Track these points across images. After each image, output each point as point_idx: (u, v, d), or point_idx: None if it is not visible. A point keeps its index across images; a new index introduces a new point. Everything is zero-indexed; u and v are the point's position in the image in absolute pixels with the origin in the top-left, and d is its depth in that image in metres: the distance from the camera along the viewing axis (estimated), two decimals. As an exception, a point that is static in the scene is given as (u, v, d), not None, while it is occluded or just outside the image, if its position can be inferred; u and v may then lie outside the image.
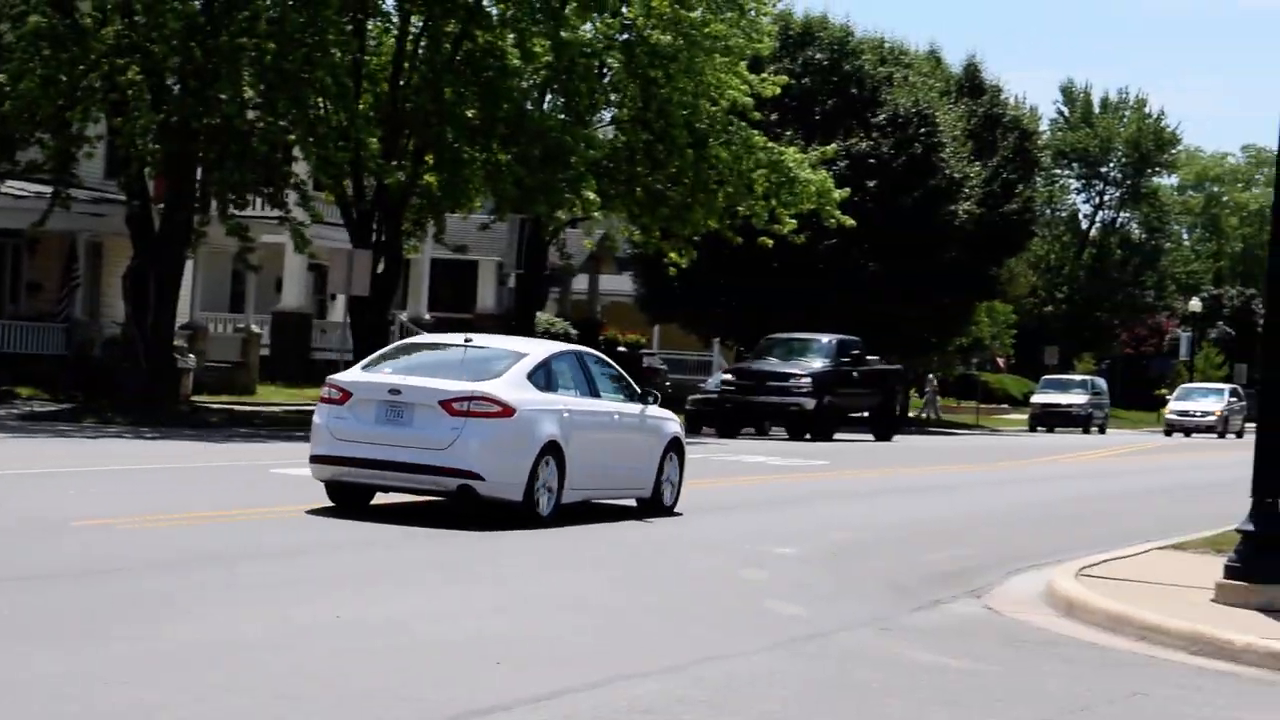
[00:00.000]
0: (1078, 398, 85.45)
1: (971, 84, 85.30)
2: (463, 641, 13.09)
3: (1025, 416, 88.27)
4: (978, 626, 15.80)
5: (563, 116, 48.36)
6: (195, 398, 46.57)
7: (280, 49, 41.42)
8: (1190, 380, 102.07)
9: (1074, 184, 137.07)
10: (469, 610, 14.65)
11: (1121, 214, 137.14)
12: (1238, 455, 45.78)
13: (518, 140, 45.63)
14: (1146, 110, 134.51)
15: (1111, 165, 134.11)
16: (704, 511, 24.88)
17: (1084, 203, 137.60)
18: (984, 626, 15.84)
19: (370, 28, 48.35)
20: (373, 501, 22.28)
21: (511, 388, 21.46)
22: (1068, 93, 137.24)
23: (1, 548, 16.73)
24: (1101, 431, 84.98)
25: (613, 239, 67.04)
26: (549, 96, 50.77)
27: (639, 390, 25.14)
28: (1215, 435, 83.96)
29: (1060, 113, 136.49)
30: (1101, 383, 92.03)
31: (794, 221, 52.85)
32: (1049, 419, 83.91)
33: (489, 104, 45.21)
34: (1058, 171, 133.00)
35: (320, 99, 43.50)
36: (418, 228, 52.74)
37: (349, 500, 21.97)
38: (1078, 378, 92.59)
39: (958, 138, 75.15)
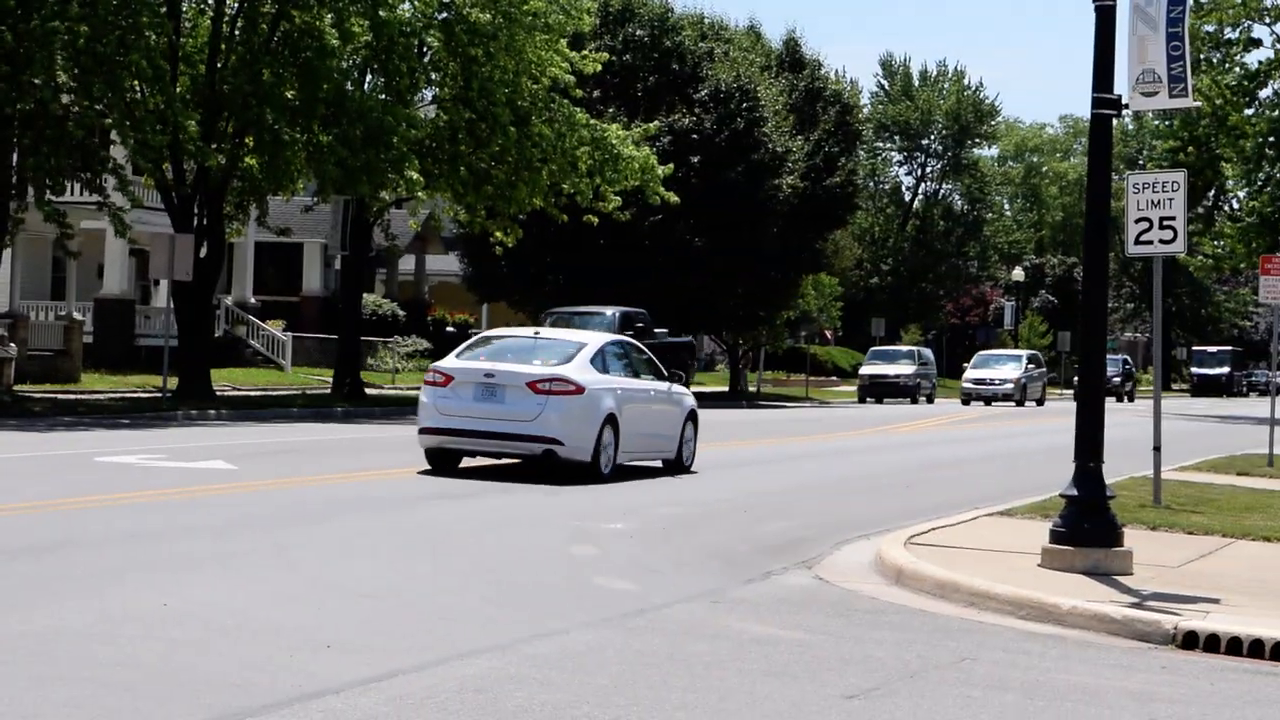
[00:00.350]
0: (905, 368, 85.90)
1: (792, 59, 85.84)
2: (291, 626, 12.99)
3: (854, 388, 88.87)
4: (808, 597, 15.88)
5: (384, 96, 48.09)
6: (17, 387, 45.82)
7: (94, 32, 40.84)
8: (1016, 349, 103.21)
9: (896, 156, 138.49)
10: (293, 595, 14.52)
11: (944, 185, 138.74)
12: (1058, 423, 46.49)
13: (339, 121, 45.32)
14: (965, 82, 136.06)
15: (932, 137, 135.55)
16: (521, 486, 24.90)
17: (906, 175, 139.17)
18: (814, 597, 15.92)
19: (185, 9, 47.82)
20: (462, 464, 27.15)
21: (580, 370, 26.65)
22: (887, 66, 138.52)
23: None
24: (929, 401, 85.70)
25: (438, 219, 66.88)
26: (369, 76, 50.47)
27: (665, 371, 30.68)
28: (1013, 403, 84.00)
29: (881, 86, 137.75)
30: (928, 353, 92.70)
31: (618, 199, 53.02)
32: (877, 390, 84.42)
33: (308, 85, 44.89)
34: (880, 144, 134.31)
35: (136, 82, 43.02)
36: (240, 211, 52.39)
37: (443, 465, 26.72)
38: (904, 349, 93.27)
39: (779, 112, 75.53)
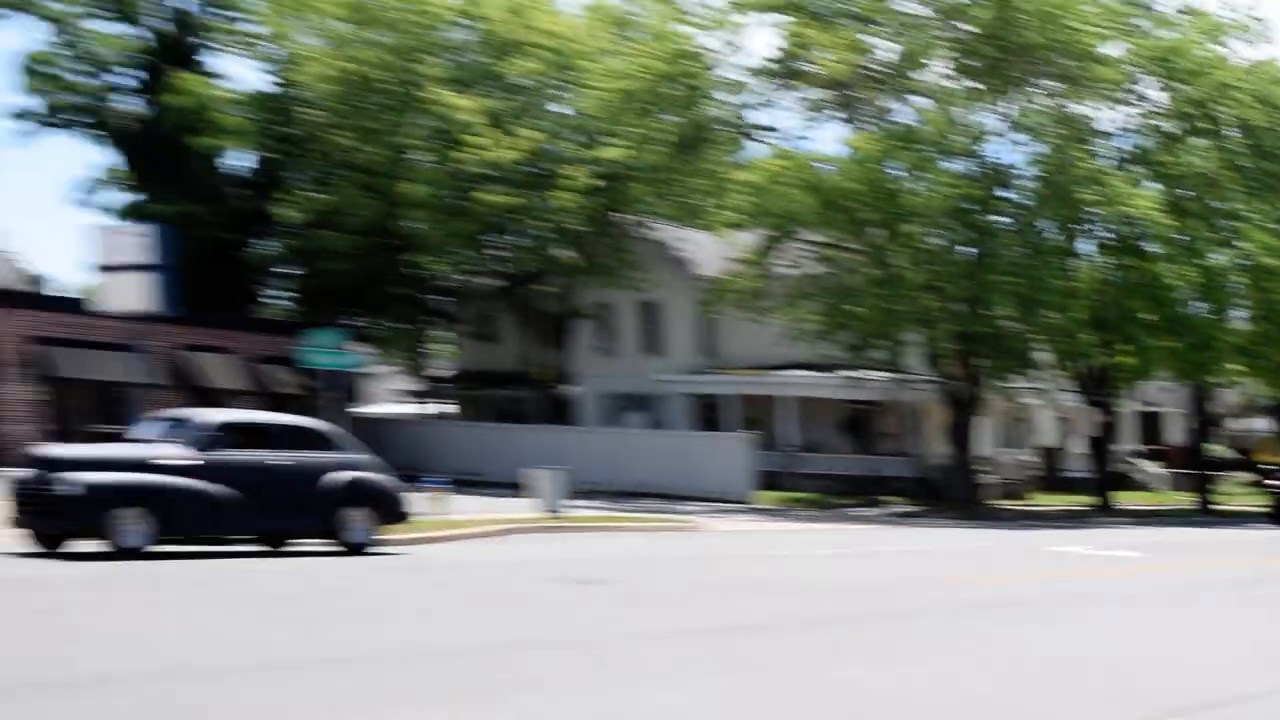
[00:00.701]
0: None
1: None
2: (1164, 659, 11.91)
3: None
4: None
5: (1208, 315, 45.40)
6: (992, 502, 46.43)
7: (1029, 283, 40.29)
8: None
9: None
10: (1188, 639, 13.22)
11: None
12: None
13: (1177, 332, 43.36)
14: None
15: None
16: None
17: None
18: None
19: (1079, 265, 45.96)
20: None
21: None
22: None
23: (884, 596, 16.48)
24: None
25: (1254, 396, 63.04)
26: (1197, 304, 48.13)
27: None
28: None
29: None
30: None
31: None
32: None
33: (1156, 309, 43.10)
34: None
35: (1052, 312, 42.05)
36: (1120, 390, 51.11)
37: None
38: None
39: None
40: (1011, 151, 43.75)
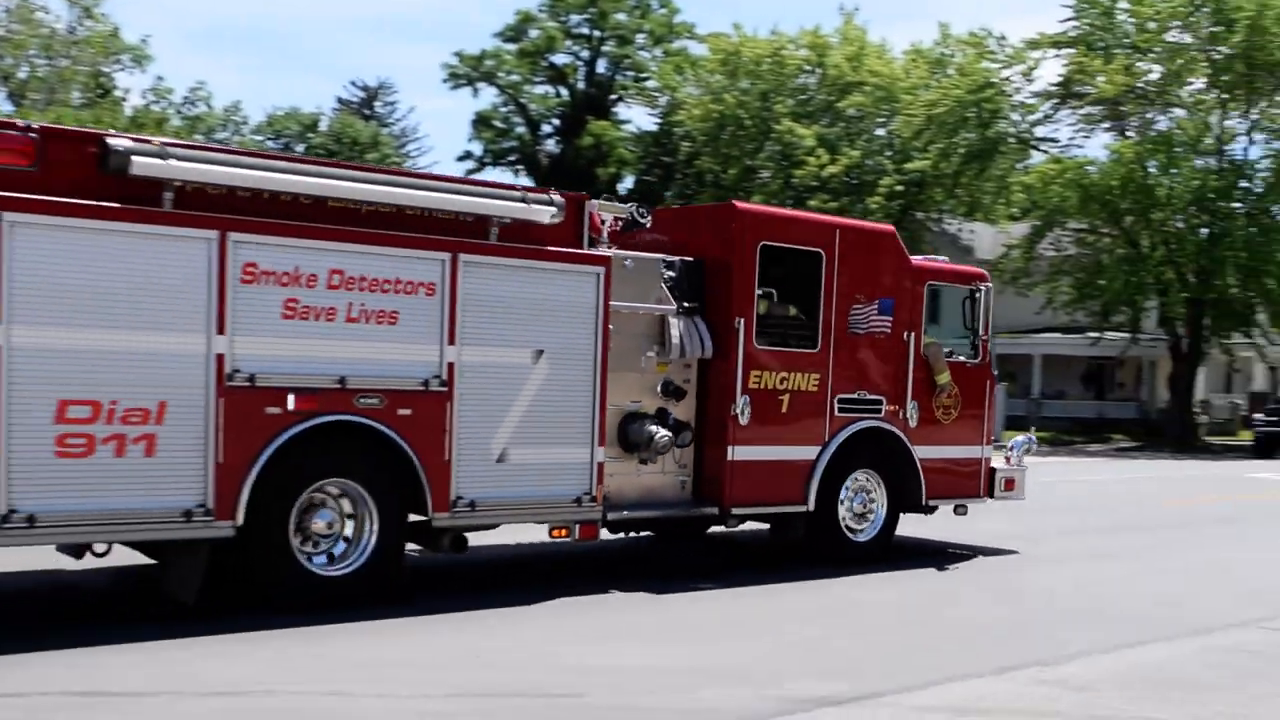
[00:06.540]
0: None
1: None
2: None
3: None
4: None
5: None
6: (1207, 438, 48.08)
7: (1256, 257, 40.48)
8: None
9: None
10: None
11: None
12: None
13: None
14: None
15: None
16: None
17: None
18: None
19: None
20: None
21: None
22: None
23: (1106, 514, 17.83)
24: None
25: None
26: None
27: None
28: None
29: None
30: None
31: None
32: None
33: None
34: None
35: (1272, 280, 41.45)
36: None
37: None
38: None
39: None
40: (1252, 148, 45.73)
